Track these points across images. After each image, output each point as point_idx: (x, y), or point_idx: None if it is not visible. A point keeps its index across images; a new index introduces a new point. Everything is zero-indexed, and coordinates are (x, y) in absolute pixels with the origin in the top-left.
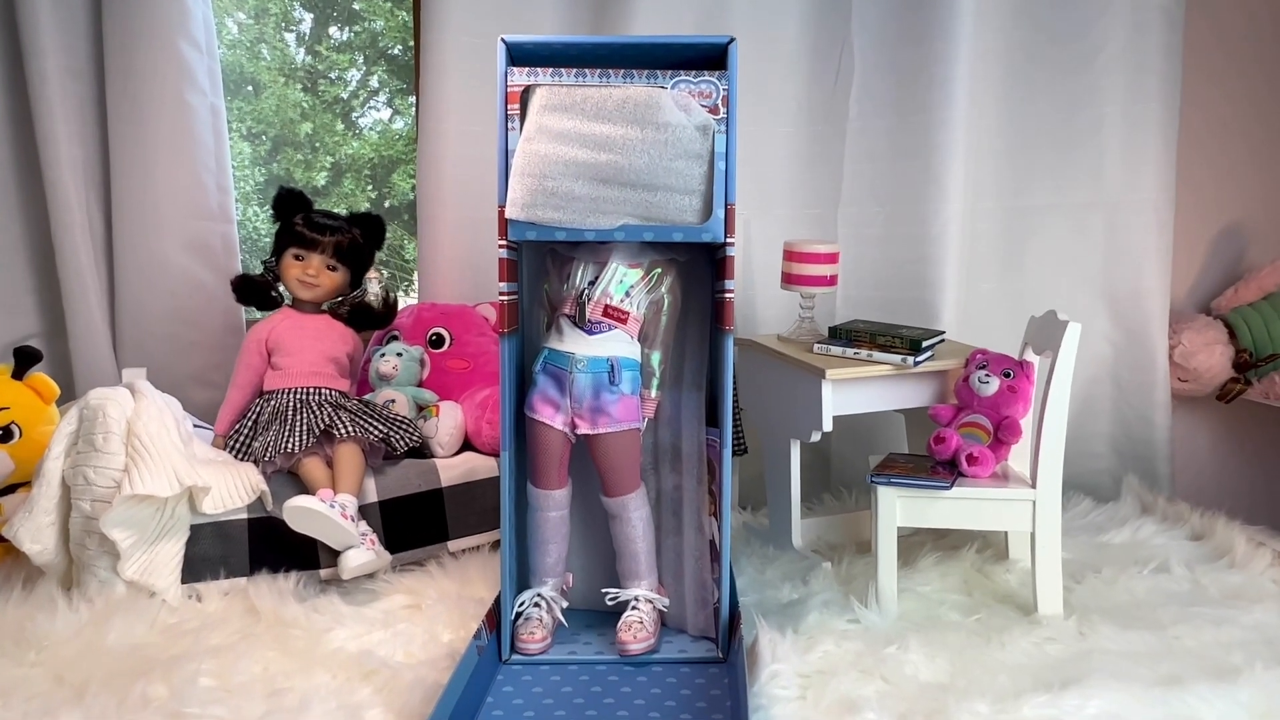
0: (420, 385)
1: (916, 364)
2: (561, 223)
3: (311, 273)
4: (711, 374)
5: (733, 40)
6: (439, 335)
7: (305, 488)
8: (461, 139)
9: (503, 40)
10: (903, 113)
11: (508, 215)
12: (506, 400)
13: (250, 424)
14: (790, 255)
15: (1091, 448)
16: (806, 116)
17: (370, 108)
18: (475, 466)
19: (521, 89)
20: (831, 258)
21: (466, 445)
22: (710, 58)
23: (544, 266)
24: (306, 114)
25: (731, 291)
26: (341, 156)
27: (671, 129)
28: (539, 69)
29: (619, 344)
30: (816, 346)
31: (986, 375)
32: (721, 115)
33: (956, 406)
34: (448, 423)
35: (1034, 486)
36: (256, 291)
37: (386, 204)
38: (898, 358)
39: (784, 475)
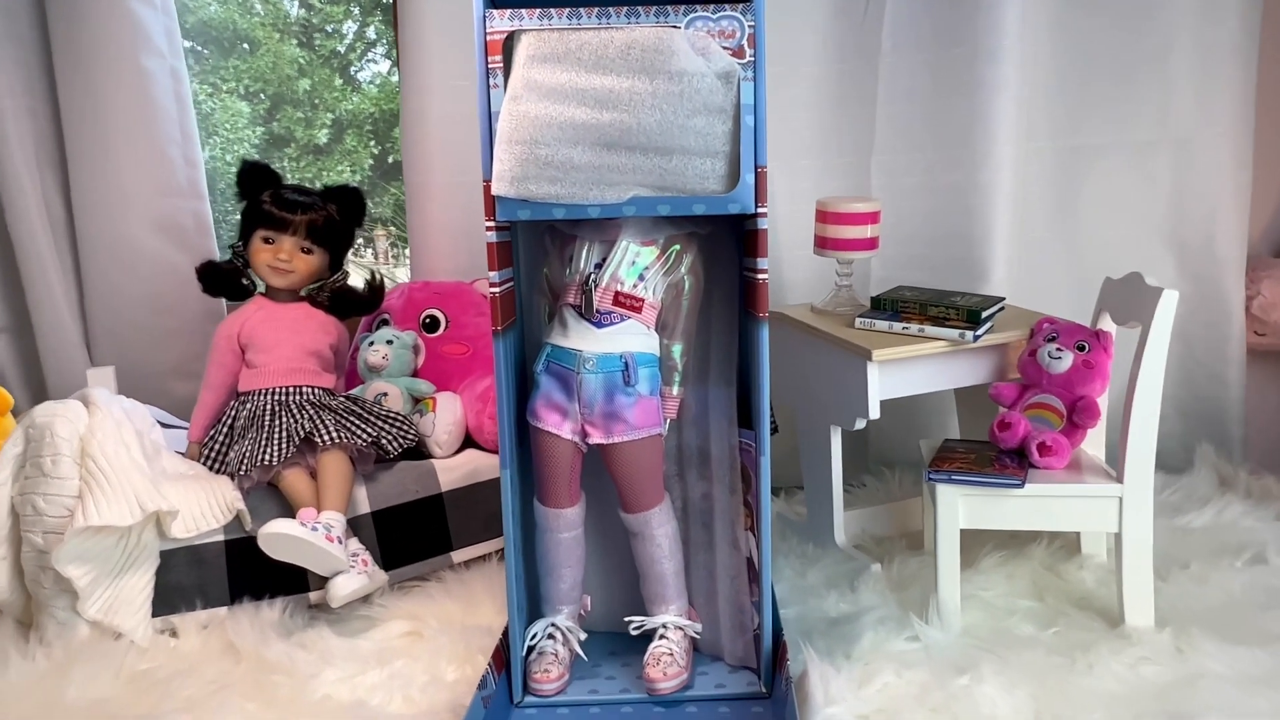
0: (415, 375)
1: (976, 339)
2: (559, 198)
3: (283, 257)
4: (742, 366)
5: None
6: (433, 318)
7: (287, 503)
8: (449, 95)
9: None
10: (944, 44)
11: (495, 191)
12: (504, 408)
13: (225, 430)
14: (824, 216)
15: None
16: (833, 52)
17: (369, 60)
18: (479, 466)
19: (504, 36)
20: (872, 217)
21: (468, 441)
22: None
23: (542, 246)
24: (304, 70)
25: (765, 272)
26: (342, 112)
27: (687, 78)
28: (523, 10)
29: (633, 337)
30: (858, 320)
31: (1058, 349)
32: (748, 58)
33: (1021, 385)
34: (446, 418)
35: (1120, 480)
36: (224, 280)
37: (390, 159)
38: (954, 332)
39: (823, 465)
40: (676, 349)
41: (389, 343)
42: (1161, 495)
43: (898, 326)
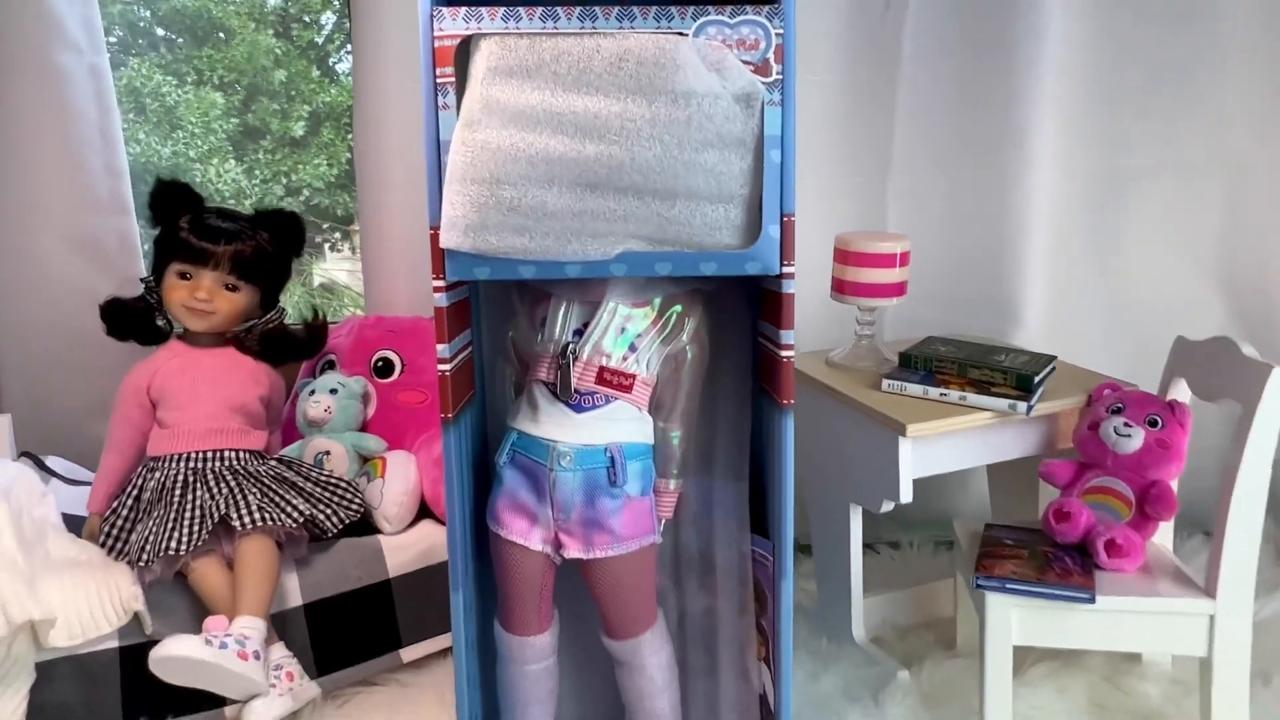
0: (364, 428)
1: (1030, 411)
2: (528, 253)
3: (202, 296)
4: (756, 454)
5: None
6: (386, 360)
7: (199, 600)
8: (409, 100)
9: None
10: (973, 52)
11: (445, 243)
12: (456, 516)
13: (130, 502)
14: (844, 256)
15: (1198, 463)
16: (846, 58)
17: (347, 52)
18: (435, 544)
19: (456, 42)
20: (900, 259)
21: (423, 511)
22: None
23: (508, 302)
24: (280, 61)
25: (790, 349)
26: (319, 104)
27: (697, 101)
28: (483, 9)
29: (621, 423)
30: (885, 382)
31: (1127, 425)
32: (774, 76)
33: (1078, 462)
34: (397, 486)
35: (1211, 594)
36: (133, 321)
37: None
38: (1002, 403)
39: (838, 547)
40: (675, 435)
41: (333, 392)
42: None
43: (933, 392)
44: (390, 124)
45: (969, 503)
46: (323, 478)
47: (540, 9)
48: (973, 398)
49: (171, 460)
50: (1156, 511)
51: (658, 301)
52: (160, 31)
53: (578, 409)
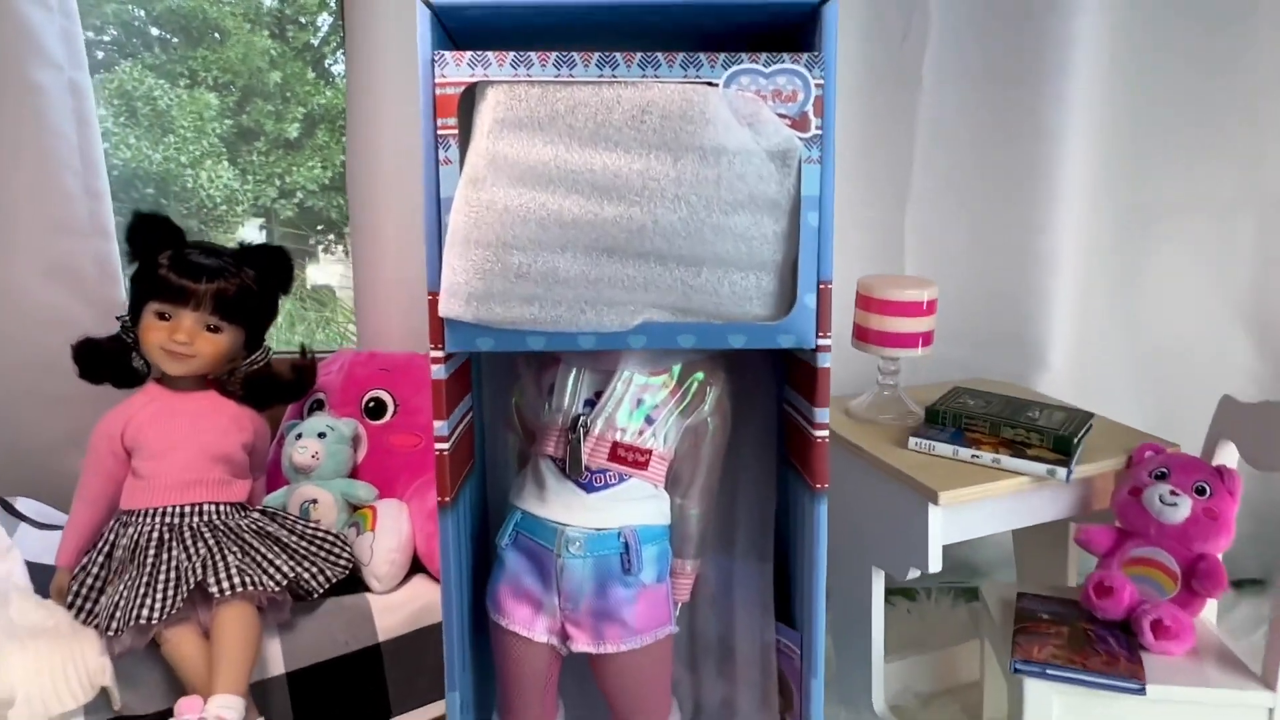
0: (354, 474)
1: (1069, 478)
2: (538, 323)
3: (181, 338)
4: (781, 534)
5: None
6: (378, 401)
7: (172, 672)
8: (403, 123)
9: (425, 1)
10: (999, 82)
11: (444, 312)
12: (454, 607)
13: (101, 559)
14: (867, 302)
15: None
16: (863, 85)
17: (343, 54)
18: (428, 604)
19: (461, 90)
20: (929, 308)
21: (415, 565)
22: (786, 28)
23: (512, 365)
24: (275, 62)
25: (825, 429)
26: (314, 106)
27: (727, 158)
28: (490, 53)
29: (637, 503)
30: (913, 441)
31: (1173, 493)
32: (813, 131)
33: (1118, 530)
34: (388, 542)
35: (1271, 686)
36: (107, 362)
37: None
38: (1040, 468)
39: (857, 613)
40: (694, 512)
41: (321, 435)
42: (1259, 634)
43: (964, 453)
44: (384, 149)
45: (989, 547)
46: (308, 531)
47: (554, 54)
48: (1007, 461)
49: (146, 515)
50: (1205, 588)
51: (677, 369)
52: (155, 31)
53: (588, 488)
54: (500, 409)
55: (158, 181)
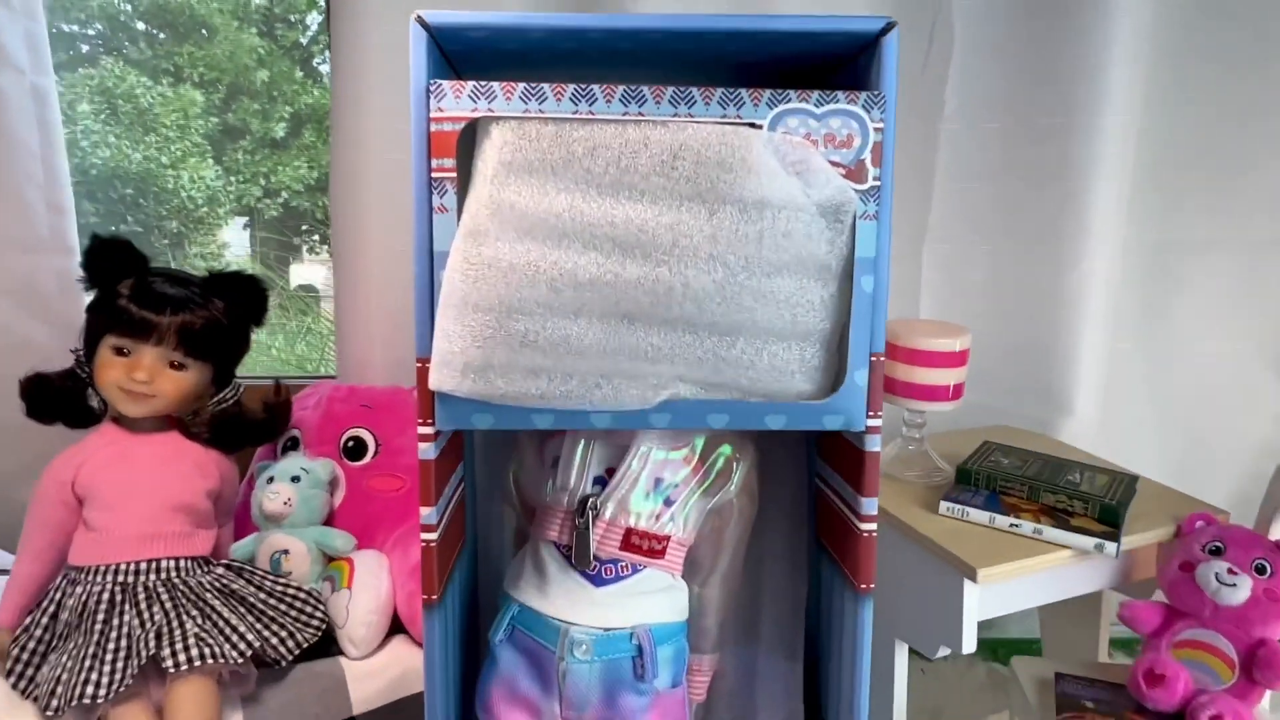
0: (330, 519)
1: (1119, 553)
2: (547, 400)
3: (140, 377)
4: (812, 628)
5: (890, 26)
6: (358, 440)
7: None
8: (391, 145)
9: (420, 21)
10: (1026, 113)
11: (435, 385)
12: (438, 715)
13: (45, 620)
14: (895, 350)
15: None
16: None
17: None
18: (408, 670)
19: (460, 127)
20: (960, 358)
21: (395, 625)
22: (831, 60)
23: (509, 435)
24: (263, 60)
25: (873, 522)
26: (301, 106)
27: (772, 213)
28: (495, 84)
29: (651, 597)
30: (944, 505)
31: (1231, 573)
32: (870, 183)
33: (1167, 608)
34: (365, 602)
35: None
36: (59, 401)
37: None
38: (1086, 541)
39: (877, 689)
40: (714, 601)
41: (295, 480)
42: None
43: (1001, 521)
44: (370, 169)
45: None
46: (278, 588)
47: (571, 87)
48: (1050, 532)
49: (97, 573)
50: (1266, 678)
51: (699, 442)
52: (141, 26)
53: (597, 581)
54: (496, 478)
55: (137, 181)
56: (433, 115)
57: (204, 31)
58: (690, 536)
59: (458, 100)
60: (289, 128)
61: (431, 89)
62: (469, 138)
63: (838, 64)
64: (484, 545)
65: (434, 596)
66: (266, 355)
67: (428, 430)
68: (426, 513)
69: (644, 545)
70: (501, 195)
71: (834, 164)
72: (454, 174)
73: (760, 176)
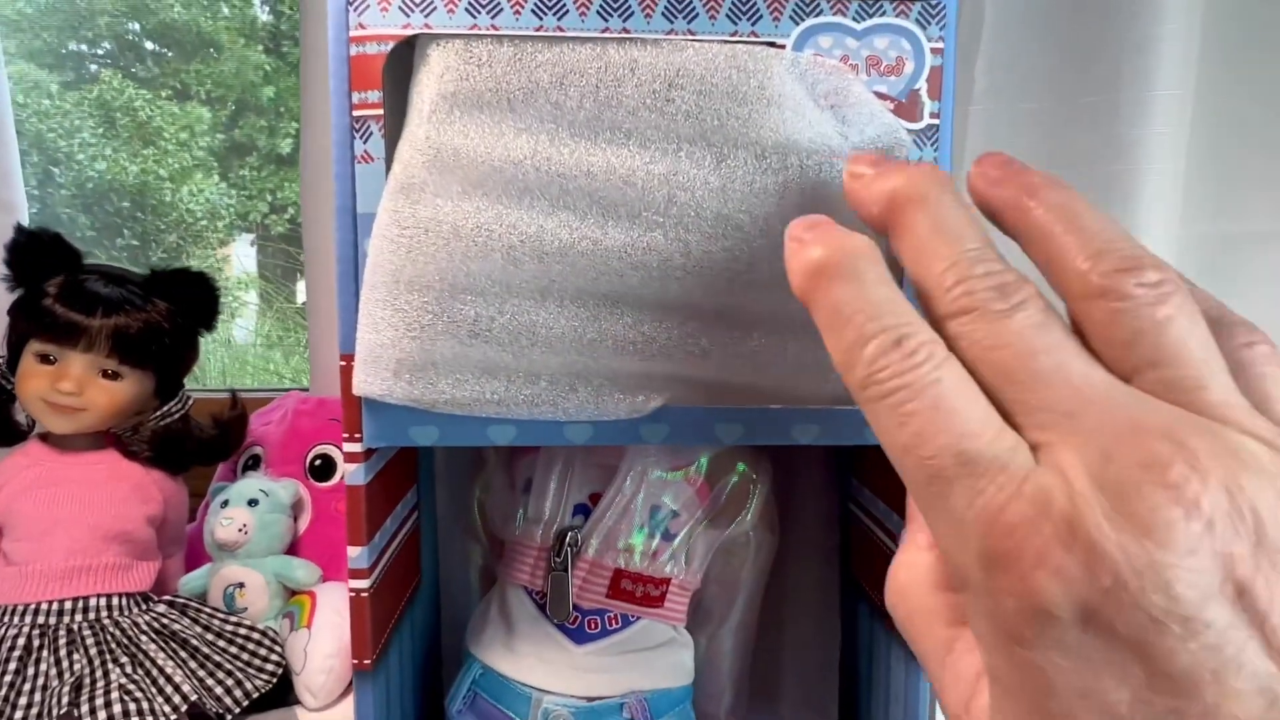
0: (293, 549)
1: None
2: (506, 408)
3: (67, 387)
4: (846, 691)
5: None
6: (325, 459)
7: None
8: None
9: None
10: (1066, 92)
11: (360, 390)
12: None
13: None
14: None
15: None
16: None
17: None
18: None
19: (388, 47)
20: None
21: None
22: None
23: (471, 450)
24: (269, 77)
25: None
26: None
27: (798, 158)
28: None
29: (647, 656)
30: None
31: None
32: (926, 120)
33: None
34: (325, 644)
35: None
36: None
37: None
38: None
39: None
40: (726, 659)
41: (252, 503)
42: None
43: None
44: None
45: None
46: (227, 627)
47: None
48: None
49: (14, 613)
50: None
51: (705, 461)
52: (150, 45)
53: (579, 637)
54: (459, 503)
55: (134, 195)
56: (352, 35)
57: (211, 50)
58: (695, 578)
59: (384, 14)
60: (295, 144)
61: (350, 0)
62: (402, 65)
63: None
64: (447, 585)
65: (366, 661)
66: (265, 370)
67: (355, 448)
68: (355, 554)
69: (637, 591)
70: (442, 137)
71: (879, 95)
72: (380, 111)
73: (783, 111)
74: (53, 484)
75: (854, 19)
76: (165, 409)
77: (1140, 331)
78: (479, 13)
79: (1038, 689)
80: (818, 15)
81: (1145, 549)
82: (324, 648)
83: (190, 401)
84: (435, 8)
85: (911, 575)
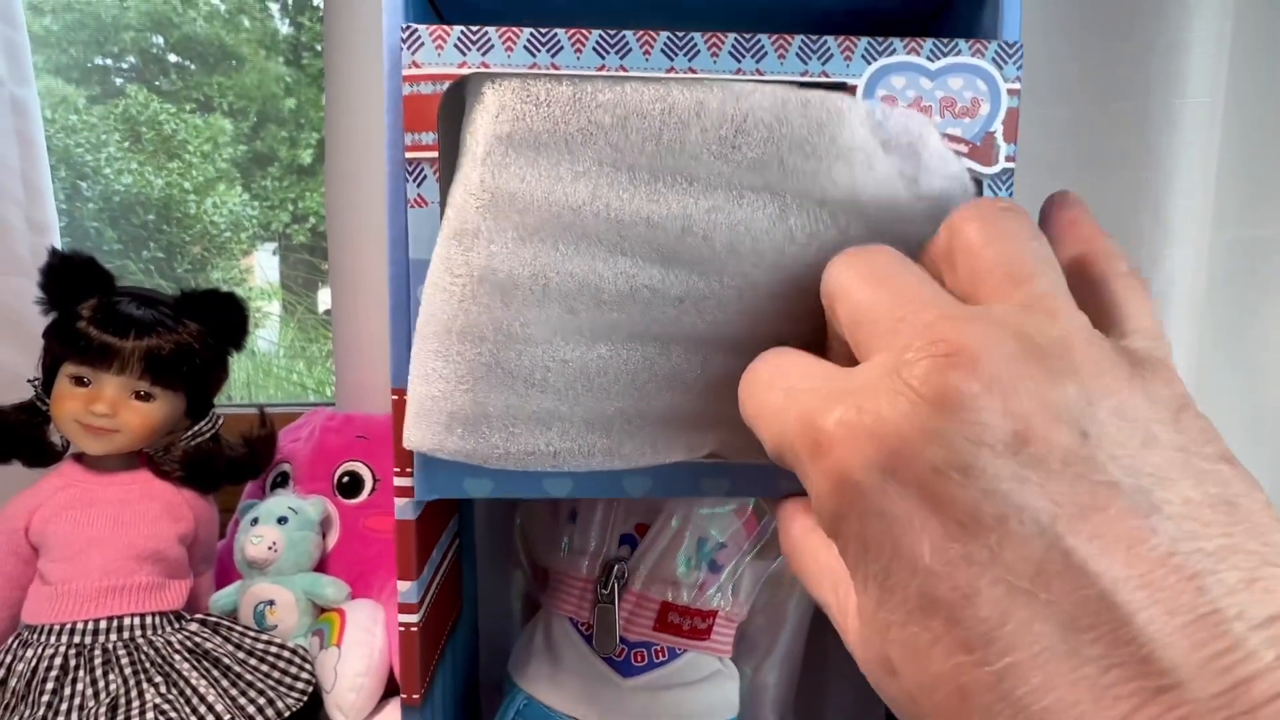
0: (322, 564)
1: None
2: (560, 461)
3: (101, 409)
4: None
5: None
6: (353, 475)
7: None
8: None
9: None
10: (1097, 97)
11: (411, 443)
12: None
13: None
14: None
15: None
16: None
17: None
18: None
19: (444, 86)
20: None
21: (391, 685)
22: (927, 5)
23: None
24: (290, 88)
25: None
26: None
27: (862, 209)
28: (490, 29)
29: (694, 690)
30: None
31: None
32: (1001, 164)
33: None
34: (356, 662)
35: None
36: (14, 437)
37: None
38: None
39: None
40: (771, 689)
41: (282, 521)
42: None
43: None
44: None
45: None
46: (259, 645)
47: (595, 34)
48: None
49: (50, 633)
50: None
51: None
52: (173, 58)
53: (625, 669)
54: (498, 529)
55: (159, 208)
56: (406, 73)
57: (233, 61)
58: (743, 610)
59: (440, 51)
60: (316, 154)
61: (405, 36)
62: (457, 104)
63: (927, 12)
64: (486, 612)
65: (415, 696)
66: (288, 381)
67: (405, 483)
68: (405, 589)
69: (684, 624)
70: (497, 181)
71: (952, 138)
72: (435, 153)
73: (852, 166)
74: (87, 504)
75: (928, 58)
76: (196, 429)
77: (990, 242)
78: (538, 50)
79: (864, 554)
80: (891, 55)
81: (921, 411)
82: (354, 666)
83: (220, 421)
84: (492, 44)
85: (795, 524)
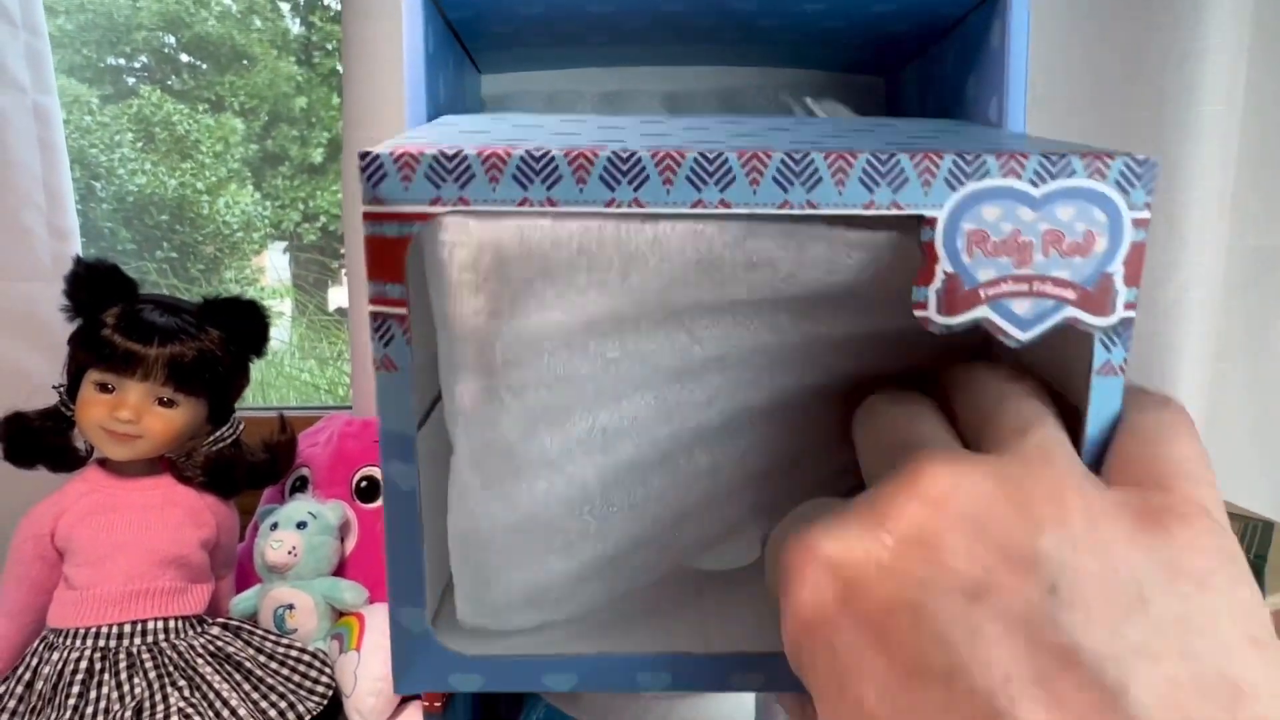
0: (341, 569)
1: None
2: (564, 647)
3: (125, 416)
4: None
5: None
6: (371, 480)
7: None
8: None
9: None
10: (1113, 104)
11: (462, 617)
12: None
13: (19, 690)
14: None
15: None
16: None
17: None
18: None
19: (415, 229)
20: None
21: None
22: (939, 21)
23: None
24: (301, 88)
25: None
26: (338, 131)
27: (888, 343)
28: (470, 151)
29: (714, 696)
30: None
31: None
32: (1119, 314)
33: None
34: (375, 666)
35: None
36: (39, 443)
37: None
38: None
39: None
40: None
41: (301, 526)
42: None
43: None
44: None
45: None
46: (279, 649)
47: (604, 155)
48: None
49: (75, 636)
50: None
51: None
52: (185, 58)
53: None
54: None
55: (173, 208)
56: (365, 209)
57: (245, 61)
58: None
59: (406, 185)
60: (327, 153)
61: (364, 165)
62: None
63: (937, 31)
64: None
65: (438, 704)
66: (300, 381)
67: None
68: None
69: None
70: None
71: (1059, 283)
72: (403, 310)
73: (881, 309)
74: (111, 509)
75: (1031, 182)
76: (218, 434)
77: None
78: (530, 180)
79: (816, 688)
80: (982, 179)
81: (882, 543)
82: (373, 670)
83: (241, 426)
84: (473, 173)
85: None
